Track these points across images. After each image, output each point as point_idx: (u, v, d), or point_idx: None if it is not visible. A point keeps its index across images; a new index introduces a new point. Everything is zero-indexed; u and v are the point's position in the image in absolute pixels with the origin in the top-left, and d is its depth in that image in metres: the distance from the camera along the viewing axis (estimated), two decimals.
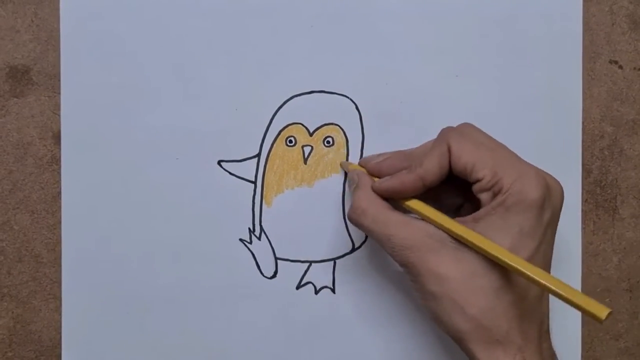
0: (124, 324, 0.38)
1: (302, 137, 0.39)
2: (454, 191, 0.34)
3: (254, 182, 0.38)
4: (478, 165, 0.31)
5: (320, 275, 0.39)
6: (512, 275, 0.30)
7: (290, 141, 0.38)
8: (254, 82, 0.38)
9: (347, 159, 0.39)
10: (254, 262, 0.38)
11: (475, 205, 0.32)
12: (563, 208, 0.36)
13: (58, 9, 0.38)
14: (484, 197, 0.31)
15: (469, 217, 0.31)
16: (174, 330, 0.38)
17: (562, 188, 0.32)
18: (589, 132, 0.40)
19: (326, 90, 0.39)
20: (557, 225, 0.32)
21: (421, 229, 0.31)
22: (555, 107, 0.39)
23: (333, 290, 0.39)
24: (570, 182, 0.39)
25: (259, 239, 0.38)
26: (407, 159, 0.34)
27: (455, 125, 0.33)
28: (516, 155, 0.32)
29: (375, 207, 0.32)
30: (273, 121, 0.38)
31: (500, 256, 0.29)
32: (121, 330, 0.38)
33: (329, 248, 0.39)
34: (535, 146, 0.39)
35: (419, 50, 0.39)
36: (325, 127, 0.39)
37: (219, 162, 0.38)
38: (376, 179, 0.34)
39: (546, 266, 0.31)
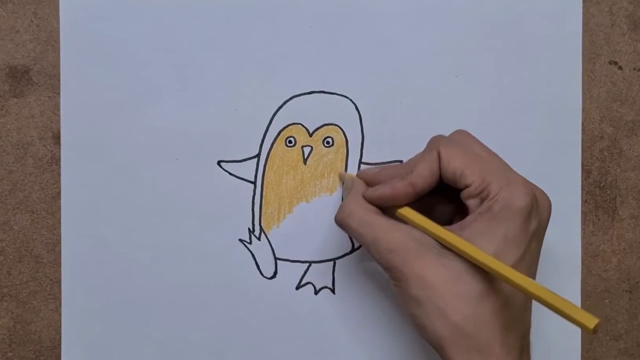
0: (123, 323, 0.38)
1: (301, 138, 0.39)
2: (446, 205, 0.34)
3: (254, 183, 0.38)
4: (467, 171, 0.31)
5: (320, 275, 0.39)
6: (496, 284, 0.29)
7: (290, 141, 0.38)
8: (254, 83, 0.38)
9: (346, 160, 0.39)
10: (254, 263, 0.38)
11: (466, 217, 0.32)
12: (562, 209, 0.36)
13: (58, 9, 0.38)
14: (471, 203, 0.31)
15: (455, 225, 0.31)
16: (174, 330, 0.38)
17: (550, 202, 0.32)
18: (589, 132, 0.40)
19: (326, 90, 0.39)
20: (542, 238, 0.32)
21: (407, 233, 0.31)
22: (554, 107, 0.39)
23: (333, 291, 0.39)
24: (570, 182, 0.39)
25: (259, 239, 0.38)
26: (401, 168, 0.34)
27: (454, 126, 0.33)
28: (506, 164, 0.32)
29: (362, 209, 0.32)
30: (273, 121, 0.38)
31: (484, 261, 0.28)
32: (121, 330, 0.38)
33: (329, 248, 0.39)
34: (535, 147, 0.39)
35: (419, 50, 0.39)
36: (325, 127, 0.39)
37: (219, 163, 0.38)
38: None
39: (530, 277, 0.30)
